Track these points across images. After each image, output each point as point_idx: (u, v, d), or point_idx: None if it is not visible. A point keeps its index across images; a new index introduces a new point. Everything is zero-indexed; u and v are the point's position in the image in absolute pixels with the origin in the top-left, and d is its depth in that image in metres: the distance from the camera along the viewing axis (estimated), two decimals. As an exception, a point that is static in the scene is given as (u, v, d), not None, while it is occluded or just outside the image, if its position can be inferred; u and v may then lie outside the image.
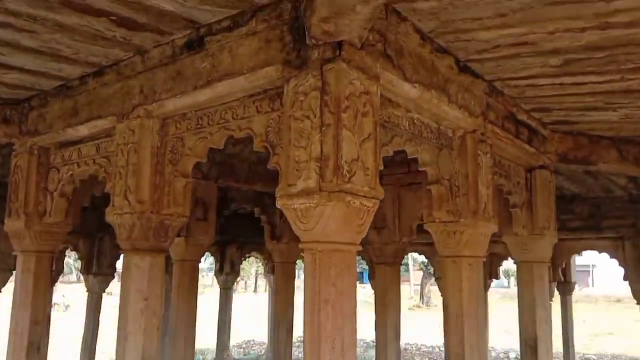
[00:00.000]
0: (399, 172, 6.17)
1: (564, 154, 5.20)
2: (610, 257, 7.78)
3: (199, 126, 3.41)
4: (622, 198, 7.40)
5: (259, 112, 3.08)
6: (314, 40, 2.62)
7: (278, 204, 2.72)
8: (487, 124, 3.96)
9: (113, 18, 2.98)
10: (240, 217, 9.33)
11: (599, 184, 7.06)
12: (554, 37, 2.97)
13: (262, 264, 12.49)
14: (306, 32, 2.65)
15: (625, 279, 7.59)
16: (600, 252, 7.89)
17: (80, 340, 8.91)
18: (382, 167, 2.83)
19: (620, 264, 7.69)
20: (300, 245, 2.71)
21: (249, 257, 12.53)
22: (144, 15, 2.95)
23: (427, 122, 3.56)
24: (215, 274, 11.76)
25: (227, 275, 11.20)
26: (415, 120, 3.43)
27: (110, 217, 3.64)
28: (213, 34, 3.12)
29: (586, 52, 3.15)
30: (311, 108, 2.63)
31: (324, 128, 2.57)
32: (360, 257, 9.55)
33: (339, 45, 2.58)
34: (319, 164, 2.56)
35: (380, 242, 6.18)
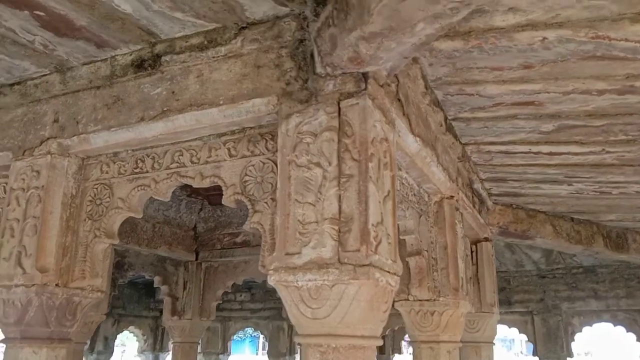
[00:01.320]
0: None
1: (505, 227, 5.05)
2: (520, 332, 7.81)
3: (137, 170, 2.58)
4: (531, 272, 7.53)
5: (232, 155, 2.37)
6: (329, 69, 2.05)
7: (271, 280, 1.98)
8: (458, 190, 3.61)
9: (40, 14, 2.15)
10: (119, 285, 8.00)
11: (513, 258, 7.10)
12: (566, 98, 2.72)
13: (141, 340, 10.84)
14: (318, 58, 2.07)
15: (534, 354, 7.61)
16: (509, 327, 7.89)
17: None
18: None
19: (529, 339, 7.72)
20: (299, 340, 1.97)
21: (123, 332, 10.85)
22: (87, 15, 2.16)
23: (411, 184, 3.09)
24: (84, 354, 9.92)
25: (99, 354, 9.47)
26: (403, 180, 2.93)
27: (-11, 290, 2.57)
28: (175, 52, 2.40)
29: (586, 119, 2.95)
30: (323, 153, 2.01)
31: (343, 179, 1.95)
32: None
33: (364, 77, 2.03)
34: (336, 227, 1.91)
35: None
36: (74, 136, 2.59)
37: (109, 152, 2.65)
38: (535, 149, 3.51)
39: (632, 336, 7.61)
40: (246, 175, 2.31)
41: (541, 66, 2.44)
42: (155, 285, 6.15)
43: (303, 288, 1.91)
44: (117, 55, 2.52)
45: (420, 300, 3.29)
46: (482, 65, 2.50)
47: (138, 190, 2.55)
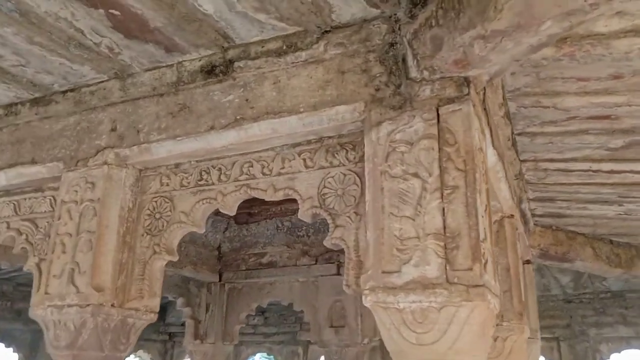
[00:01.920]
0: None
1: (546, 249, 4.89)
2: (546, 359, 7.58)
3: (202, 182, 2.43)
4: (557, 297, 7.34)
5: (308, 167, 2.23)
6: (426, 73, 1.92)
7: (367, 301, 1.81)
8: (516, 209, 3.46)
9: (115, 13, 2.02)
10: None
11: (541, 282, 6.92)
12: (648, 112, 2.60)
13: (152, 364, 10.50)
14: (413, 62, 1.94)
15: (561, 382, 7.38)
16: (535, 354, 7.65)
17: None
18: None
19: (556, 366, 7.50)
20: (399, 366, 1.80)
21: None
22: (165, 15, 2.04)
23: (477, 201, 2.94)
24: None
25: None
26: (471, 197, 2.78)
27: (39, 311, 2.38)
28: (250, 57, 2.27)
29: (662, 135, 2.83)
30: (421, 163, 1.86)
31: (447, 191, 1.80)
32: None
33: (466, 81, 1.90)
34: (441, 243, 1.75)
35: (340, 344, 5.24)
36: (133, 146, 2.45)
37: (169, 164, 2.50)
38: (596, 166, 3.37)
39: (661, 364, 7.40)
40: (325, 187, 2.16)
41: (631, 77, 2.33)
42: (178, 307, 5.92)
43: (406, 310, 1.74)
44: (184, 60, 2.39)
45: (482, 324, 3.11)
46: (568, 75, 2.38)
47: (203, 204, 2.40)
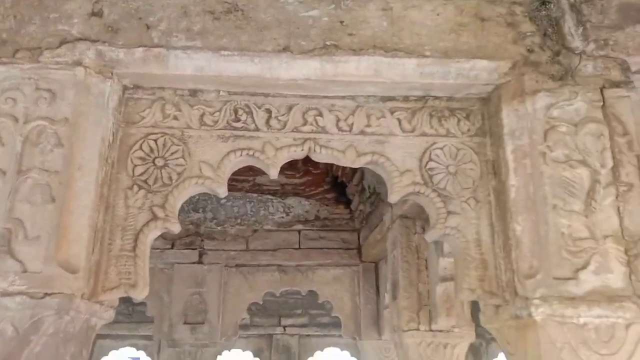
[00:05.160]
0: (231, 249, 4.78)
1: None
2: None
3: (239, 125, 1.67)
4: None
5: (404, 130, 1.71)
6: (592, 46, 1.62)
7: (537, 313, 1.41)
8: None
9: None
10: None
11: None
12: None
13: None
14: (577, 30, 1.63)
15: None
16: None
17: None
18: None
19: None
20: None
21: None
22: None
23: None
24: None
25: None
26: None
27: None
28: (354, -33, 1.64)
29: None
30: (589, 150, 1.55)
31: (623, 188, 1.53)
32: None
33: (626, 66, 1.65)
34: (622, 248, 1.47)
35: (196, 343, 4.45)
36: (138, 47, 1.55)
37: (184, 87, 1.66)
38: None
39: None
40: (431, 160, 1.67)
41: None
42: None
43: (588, 327, 1.40)
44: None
45: (439, 331, 2.91)
46: None
47: (237, 156, 1.63)
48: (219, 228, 4.90)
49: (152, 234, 1.56)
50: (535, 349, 1.43)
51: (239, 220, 4.93)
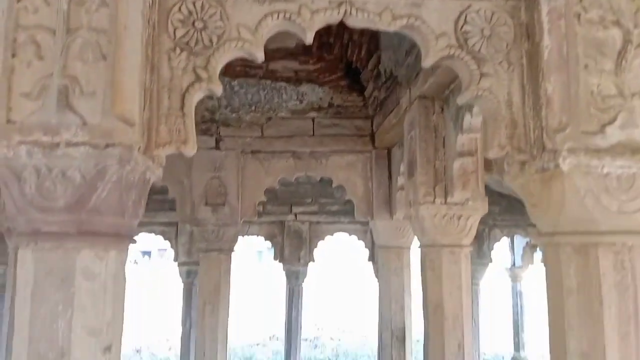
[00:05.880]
0: (247, 135, 4.88)
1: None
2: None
3: (274, -13, 1.67)
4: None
5: (441, -7, 1.71)
6: None
7: (565, 163, 1.51)
8: None
9: None
10: None
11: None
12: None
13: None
14: None
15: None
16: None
17: None
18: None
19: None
20: (578, 239, 1.58)
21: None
22: None
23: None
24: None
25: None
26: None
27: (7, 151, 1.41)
28: None
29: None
30: (622, 10, 1.59)
31: (654, 48, 1.56)
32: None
33: None
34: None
35: (217, 223, 4.71)
36: None
37: (218, -54, 1.64)
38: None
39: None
40: (466, 23, 1.69)
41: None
42: None
43: (610, 176, 1.51)
44: None
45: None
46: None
47: (274, 19, 1.66)
48: (233, 115, 4.96)
49: (197, 95, 1.63)
50: (560, 197, 1.55)
51: (253, 107, 4.98)
